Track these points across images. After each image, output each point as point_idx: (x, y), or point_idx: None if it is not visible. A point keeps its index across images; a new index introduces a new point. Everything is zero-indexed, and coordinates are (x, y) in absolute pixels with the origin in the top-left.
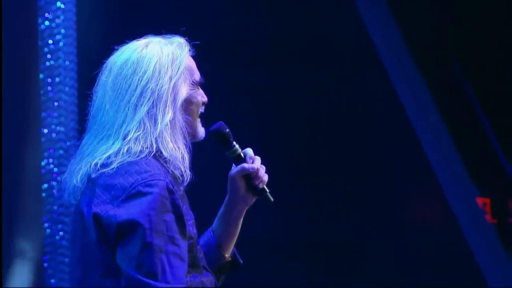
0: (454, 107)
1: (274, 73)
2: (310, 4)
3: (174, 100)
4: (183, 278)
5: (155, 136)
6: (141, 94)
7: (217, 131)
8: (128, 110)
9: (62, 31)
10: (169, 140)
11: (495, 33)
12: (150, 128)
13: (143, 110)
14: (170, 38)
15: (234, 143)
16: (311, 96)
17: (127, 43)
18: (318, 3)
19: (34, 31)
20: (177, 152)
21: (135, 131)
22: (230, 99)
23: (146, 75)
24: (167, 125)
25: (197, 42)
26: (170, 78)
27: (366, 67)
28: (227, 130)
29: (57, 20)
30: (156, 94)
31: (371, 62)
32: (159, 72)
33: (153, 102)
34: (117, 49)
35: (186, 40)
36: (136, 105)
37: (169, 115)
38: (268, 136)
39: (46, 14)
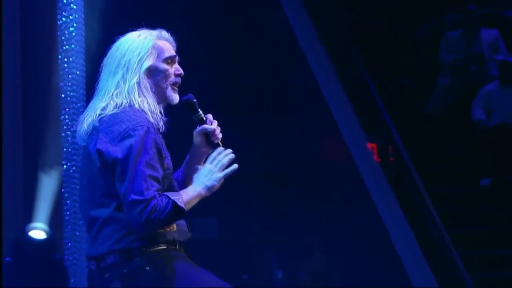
0: (352, 79)
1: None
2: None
3: (140, 68)
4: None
5: (126, 91)
6: (118, 65)
7: (186, 100)
8: (110, 76)
9: (75, 24)
10: (137, 96)
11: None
12: (123, 87)
13: (119, 75)
14: (157, 30)
15: (199, 109)
16: (247, 74)
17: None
18: (251, 7)
19: (55, 24)
20: (145, 103)
21: (114, 89)
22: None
23: (122, 52)
24: (135, 84)
25: (171, 31)
26: (138, 54)
27: (289, 54)
28: (194, 100)
29: (71, 17)
30: (128, 64)
31: (293, 51)
32: (131, 50)
33: (125, 70)
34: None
35: (167, 31)
36: (115, 73)
37: (135, 78)
38: (222, 106)
39: (63, 13)
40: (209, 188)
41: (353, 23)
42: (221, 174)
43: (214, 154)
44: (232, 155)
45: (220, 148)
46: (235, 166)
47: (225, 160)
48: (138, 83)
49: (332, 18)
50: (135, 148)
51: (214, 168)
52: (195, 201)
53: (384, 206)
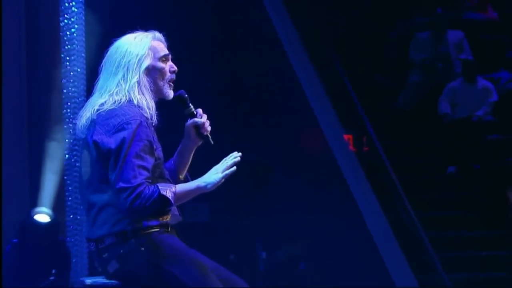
0: (330, 77)
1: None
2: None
3: (139, 68)
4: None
5: (127, 90)
6: (118, 65)
7: (179, 96)
8: (111, 76)
9: (76, 26)
10: (137, 93)
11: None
12: (124, 86)
13: (120, 75)
14: (150, 32)
15: (190, 104)
16: (234, 72)
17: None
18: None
19: (57, 26)
20: (143, 101)
21: (115, 88)
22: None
23: (122, 54)
24: (135, 83)
25: (162, 32)
26: (137, 55)
27: (272, 54)
28: (186, 95)
29: (72, 19)
30: (128, 65)
31: (276, 50)
32: (130, 52)
33: (125, 70)
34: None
35: (160, 32)
36: (116, 73)
37: (135, 78)
38: (212, 102)
39: (65, 15)
40: (208, 184)
41: (331, 24)
42: (222, 174)
43: (228, 156)
44: (238, 158)
45: (235, 152)
46: (234, 168)
47: (230, 161)
48: (138, 82)
49: (312, 20)
50: (127, 140)
51: (220, 167)
52: (194, 194)
53: (359, 191)
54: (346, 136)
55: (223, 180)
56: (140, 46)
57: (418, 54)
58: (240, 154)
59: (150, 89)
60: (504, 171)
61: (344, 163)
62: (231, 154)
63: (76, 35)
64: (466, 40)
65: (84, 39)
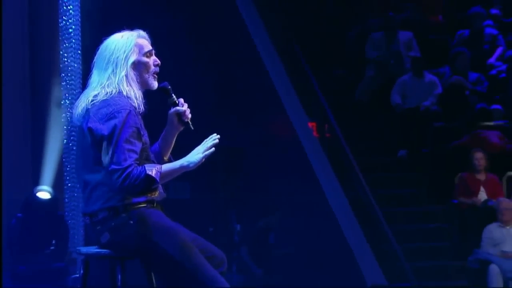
0: (296, 71)
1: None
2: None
3: (127, 63)
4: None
5: (117, 83)
6: (108, 61)
7: (163, 87)
8: (102, 70)
9: (73, 27)
10: (125, 85)
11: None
12: (114, 79)
13: (109, 70)
14: (135, 30)
15: (173, 94)
16: (213, 67)
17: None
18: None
19: (57, 26)
20: (131, 92)
21: (106, 81)
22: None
23: (110, 51)
24: (123, 77)
25: (146, 30)
26: (124, 51)
27: (246, 52)
28: (169, 86)
29: (70, 20)
30: (116, 61)
31: (248, 48)
32: (118, 49)
33: (114, 65)
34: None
35: (143, 31)
36: (106, 68)
37: (124, 71)
38: (190, 90)
39: (64, 17)
40: (190, 162)
41: (297, 25)
42: (202, 154)
43: (208, 138)
44: (217, 140)
45: (214, 135)
46: (212, 149)
47: (210, 143)
48: (126, 75)
49: (281, 19)
50: (118, 127)
51: (201, 148)
52: (178, 172)
53: (321, 172)
54: (310, 124)
55: (203, 159)
56: (127, 44)
57: (373, 52)
58: (218, 136)
59: (137, 81)
60: (448, 154)
61: (309, 147)
62: (210, 136)
63: (73, 35)
64: (415, 39)
65: (80, 38)
